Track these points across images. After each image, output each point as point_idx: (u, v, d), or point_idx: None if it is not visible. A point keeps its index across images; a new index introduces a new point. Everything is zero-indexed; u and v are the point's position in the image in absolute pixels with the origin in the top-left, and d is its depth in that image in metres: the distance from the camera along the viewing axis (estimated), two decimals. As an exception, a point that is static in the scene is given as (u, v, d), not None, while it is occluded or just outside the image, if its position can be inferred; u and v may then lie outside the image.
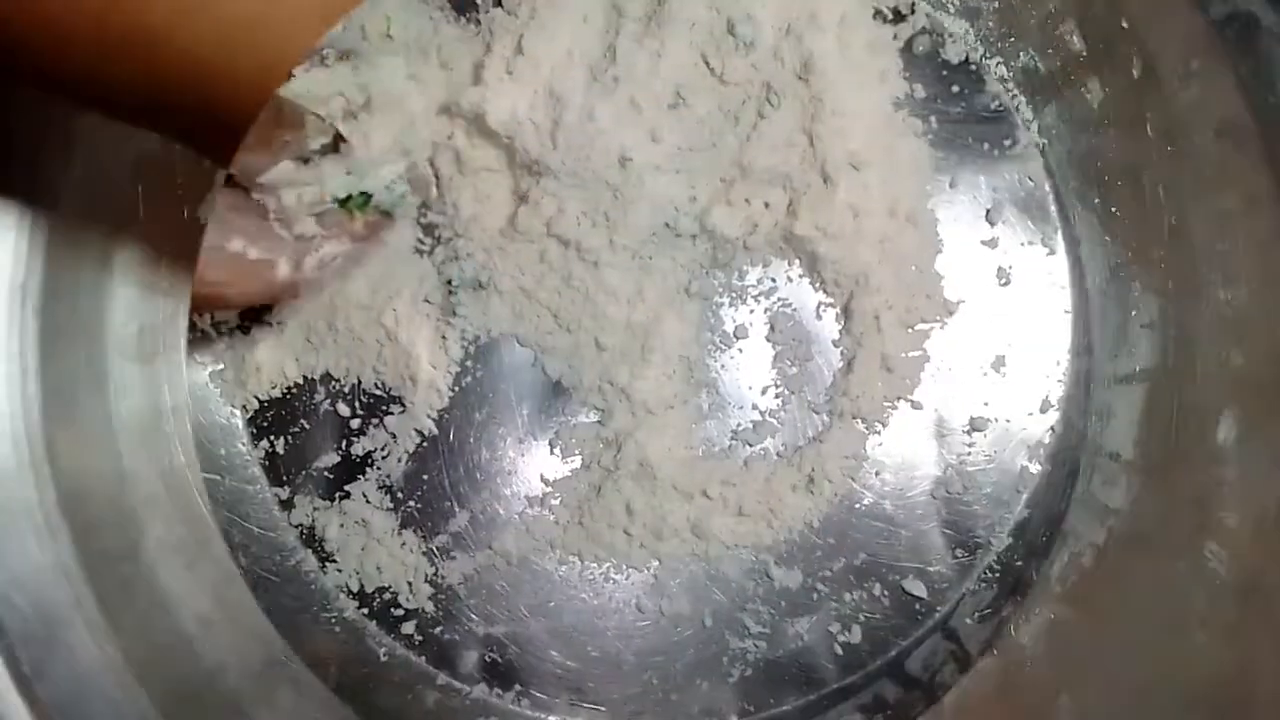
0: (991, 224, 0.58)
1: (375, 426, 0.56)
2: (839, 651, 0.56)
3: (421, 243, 0.56)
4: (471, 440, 0.56)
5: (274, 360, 0.56)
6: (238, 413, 0.56)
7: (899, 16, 0.57)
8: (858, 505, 0.56)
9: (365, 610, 0.56)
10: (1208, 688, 0.46)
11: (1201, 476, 0.50)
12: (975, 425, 0.57)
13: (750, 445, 0.56)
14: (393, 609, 0.55)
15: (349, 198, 0.49)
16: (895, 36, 0.57)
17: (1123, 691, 0.49)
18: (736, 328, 0.57)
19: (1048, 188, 0.58)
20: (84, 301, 0.50)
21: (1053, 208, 0.58)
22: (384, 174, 0.49)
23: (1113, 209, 0.56)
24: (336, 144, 0.47)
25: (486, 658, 0.56)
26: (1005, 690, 0.54)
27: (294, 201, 0.46)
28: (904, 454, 0.57)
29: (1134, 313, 0.55)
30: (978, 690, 0.55)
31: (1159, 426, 0.53)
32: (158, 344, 0.53)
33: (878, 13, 0.57)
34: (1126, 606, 0.52)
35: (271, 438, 0.56)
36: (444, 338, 0.56)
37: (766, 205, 0.55)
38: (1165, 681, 0.48)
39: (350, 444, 0.56)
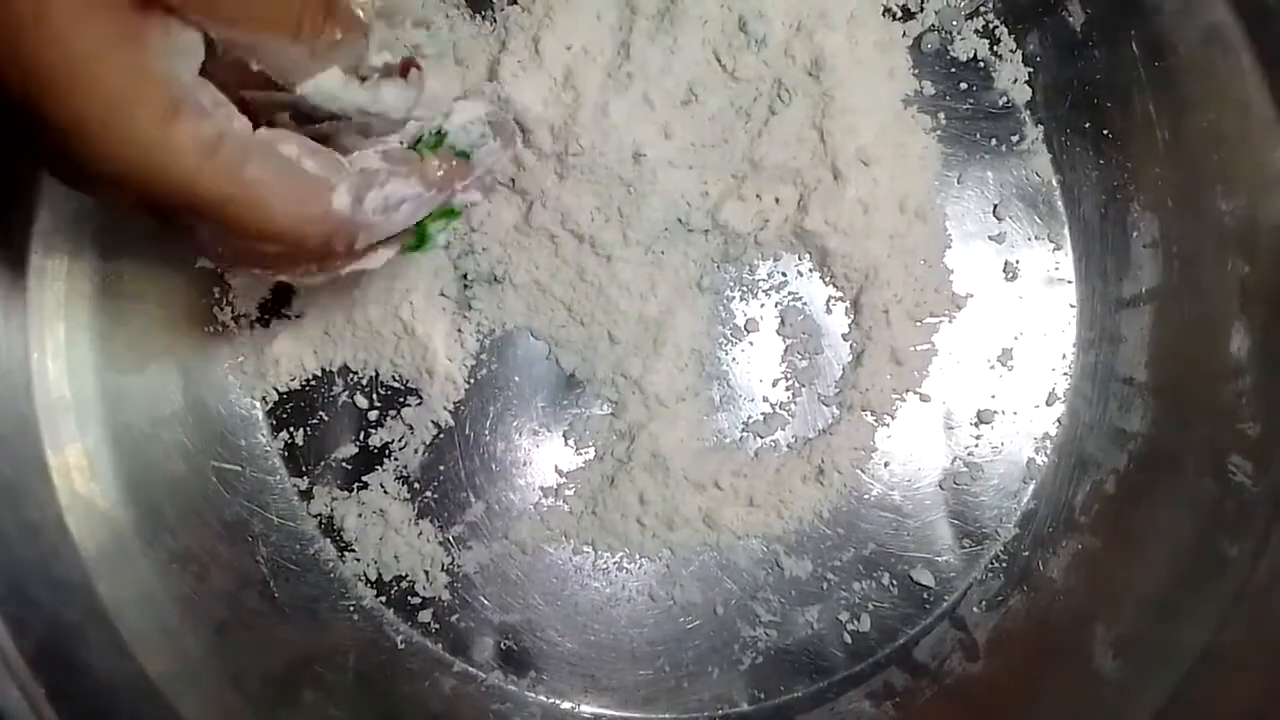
0: (999, 219, 0.59)
1: (392, 418, 0.57)
2: (848, 640, 0.57)
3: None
4: (487, 432, 0.57)
5: (293, 353, 0.57)
6: (257, 404, 0.57)
7: (908, 14, 0.58)
8: (867, 496, 0.57)
9: (383, 599, 0.56)
10: (1243, 601, 0.47)
11: (1218, 391, 0.51)
12: (983, 418, 0.58)
13: (761, 437, 0.57)
14: (410, 597, 0.56)
15: (419, 140, 0.40)
16: (904, 34, 0.58)
17: (1157, 613, 0.51)
18: (747, 321, 0.57)
19: (1054, 183, 0.59)
20: (73, 313, 0.51)
21: (1059, 203, 0.59)
22: (459, 113, 0.40)
23: (1104, 131, 0.57)
24: (406, 69, 0.37)
25: (502, 645, 0.56)
26: (1039, 625, 0.55)
27: (349, 135, 0.37)
28: (912, 446, 0.57)
29: (1135, 234, 0.56)
30: (1012, 628, 0.56)
31: (1170, 346, 0.54)
32: (147, 352, 0.54)
33: (887, 10, 0.58)
34: (1154, 529, 0.53)
35: (291, 429, 0.57)
36: (460, 331, 0.57)
37: (777, 200, 0.56)
38: (1200, 599, 0.49)
39: (368, 435, 0.57)
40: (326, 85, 0.34)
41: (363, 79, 0.36)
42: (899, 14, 0.58)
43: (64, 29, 0.28)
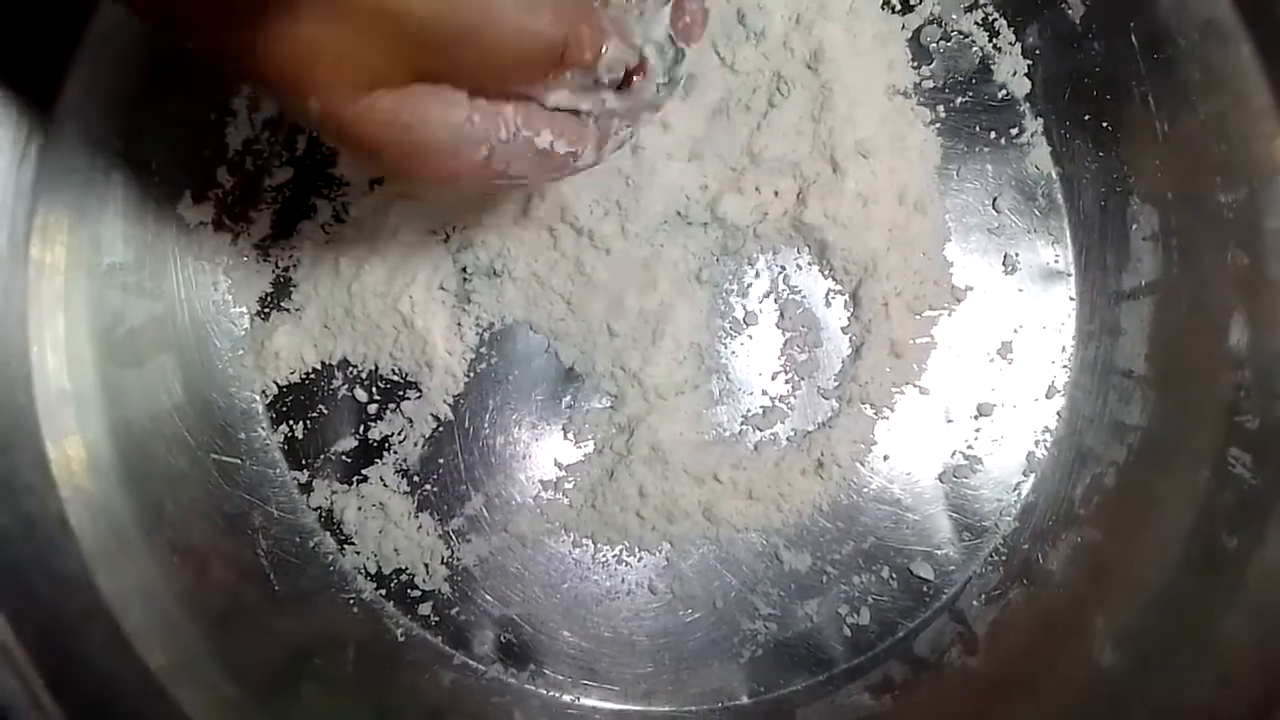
0: (998, 212, 0.58)
1: (392, 411, 0.57)
2: (848, 633, 0.57)
3: (437, 230, 0.57)
4: (486, 425, 0.57)
5: (292, 346, 0.57)
6: (257, 398, 0.57)
7: (907, 7, 0.58)
8: (866, 489, 0.57)
9: (383, 591, 0.56)
10: (1242, 592, 0.47)
11: (1217, 383, 0.51)
12: (982, 410, 0.58)
13: (760, 430, 0.57)
14: (410, 590, 0.56)
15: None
16: (903, 26, 0.58)
17: (1157, 606, 0.51)
18: (746, 314, 0.57)
19: (1054, 175, 0.59)
20: (72, 307, 0.51)
21: (1059, 195, 0.59)
22: (655, 31, 0.41)
23: (1104, 124, 0.57)
24: (630, 79, 0.41)
25: (502, 638, 0.56)
26: (1038, 618, 0.55)
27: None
28: (912, 439, 0.57)
29: (1134, 226, 0.56)
30: (1012, 621, 0.55)
31: (1169, 338, 0.55)
32: (147, 346, 0.54)
33: (885, 2, 0.58)
34: (1154, 522, 0.53)
35: (291, 422, 0.57)
36: (459, 324, 0.57)
37: (776, 193, 0.56)
38: (1199, 591, 0.49)
39: (368, 428, 0.57)
40: (555, 99, 0.40)
41: (589, 86, 0.41)
42: (898, 6, 0.58)
43: (420, 115, 0.38)
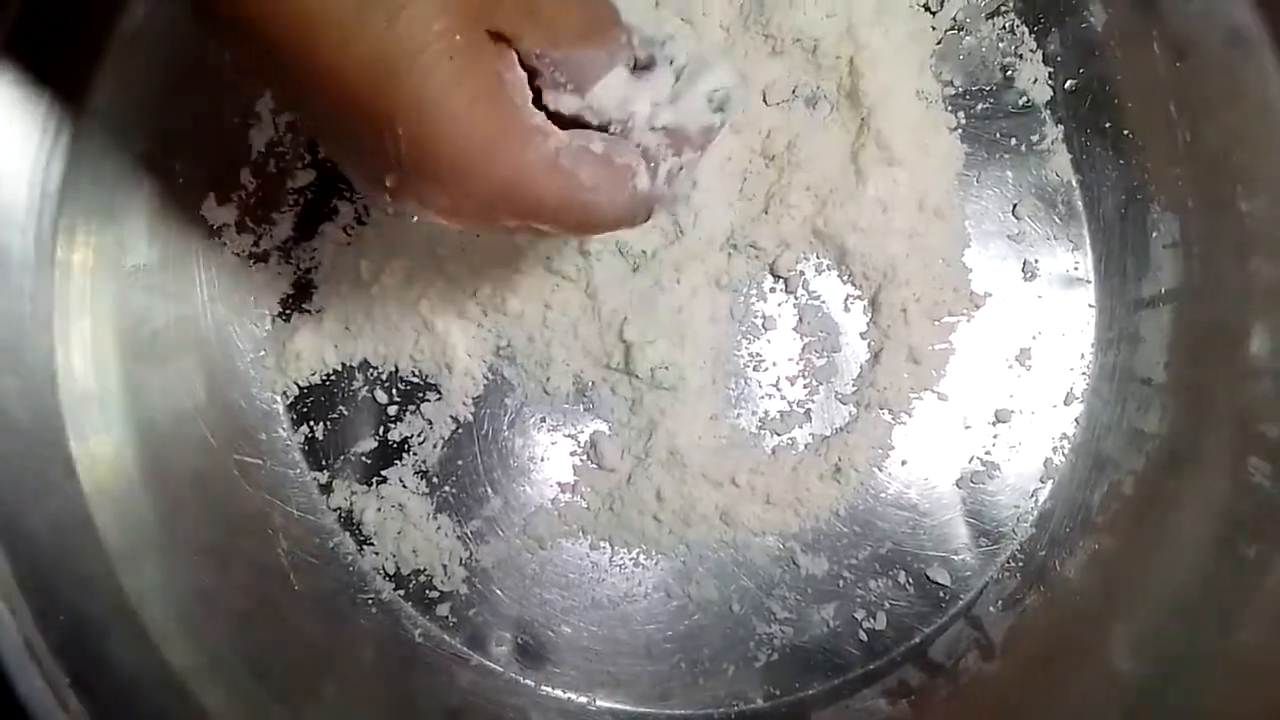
0: (1018, 219, 0.58)
1: (412, 413, 0.57)
2: (864, 638, 0.57)
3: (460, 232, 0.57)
4: (505, 428, 0.57)
5: (313, 347, 0.57)
6: (278, 398, 0.57)
7: (929, 14, 0.58)
8: (883, 494, 0.57)
9: (401, 592, 0.57)
10: (1261, 602, 0.47)
11: (1237, 392, 0.51)
12: (1000, 417, 0.58)
13: (778, 434, 0.57)
14: (428, 591, 0.57)
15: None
16: (926, 31, 0.58)
17: (1176, 614, 0.51)
18: (765, 319, 0.58)
19: (1074, 183, 0.59)
20: (97, 308, 0.51)
21: (1079, 202, 0.59)
22: (705, 83, 0.40)
23: (1125, 131, 0.57)
24: (650, 63, 0.38)
25: (518, 639, 0.57)
26: (1055, 625, 0.55)
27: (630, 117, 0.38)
28: (930, 445, 0.57)
29: (1155, 234, 0.56)
30: (1029, 627, 0.55)
31: (1189, 347, 0.55)
32: (170, 347, 0.55)
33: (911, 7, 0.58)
34: (1172, 530, 0.53)
35: (311, 423, 0.57)
36: (479, 326, 0.57)
37: (795, 201, 0.56)
38: (1219, 600, 0.49)
39: (387, 430, 0.57)
40: (615, 83, 0.36)
41: (633, 69, 0.37)
42: (922, 12, 0.58)
43: (449, 88, 0.31)
